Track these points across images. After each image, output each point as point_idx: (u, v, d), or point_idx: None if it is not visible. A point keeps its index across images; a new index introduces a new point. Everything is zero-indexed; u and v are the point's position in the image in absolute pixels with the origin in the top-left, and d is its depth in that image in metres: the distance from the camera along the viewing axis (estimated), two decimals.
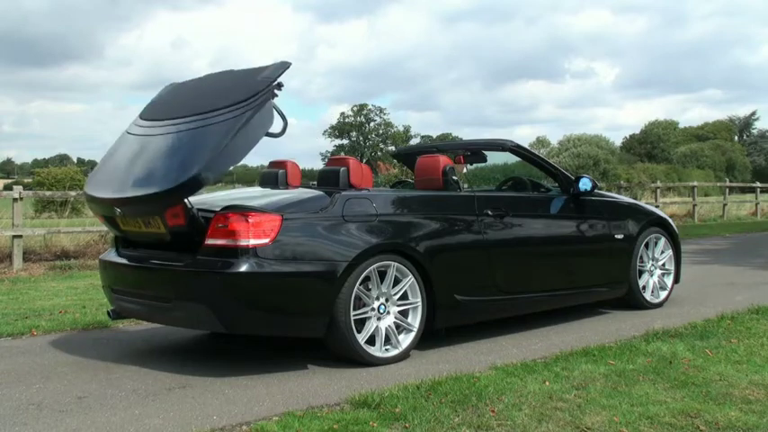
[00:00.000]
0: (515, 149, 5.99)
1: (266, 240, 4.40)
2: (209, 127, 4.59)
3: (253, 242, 4.37)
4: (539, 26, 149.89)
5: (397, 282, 4.84)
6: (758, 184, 25.38)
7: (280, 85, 4.74)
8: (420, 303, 4.91)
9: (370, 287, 4.74)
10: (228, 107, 4.61)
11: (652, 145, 67.58)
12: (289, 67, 4.84)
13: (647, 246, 6.59)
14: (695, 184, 23.13)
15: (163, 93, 5.49)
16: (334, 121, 77.11)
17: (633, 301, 6.52)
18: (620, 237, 6.32)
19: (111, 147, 5.23)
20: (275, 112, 4.71)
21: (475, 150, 6.21)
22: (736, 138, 76.18)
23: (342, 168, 5.10)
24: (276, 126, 4.78)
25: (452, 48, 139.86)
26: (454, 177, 5.55)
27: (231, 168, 5.36)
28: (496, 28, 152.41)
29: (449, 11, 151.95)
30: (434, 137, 73.18)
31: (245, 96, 4.62)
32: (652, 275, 6.67)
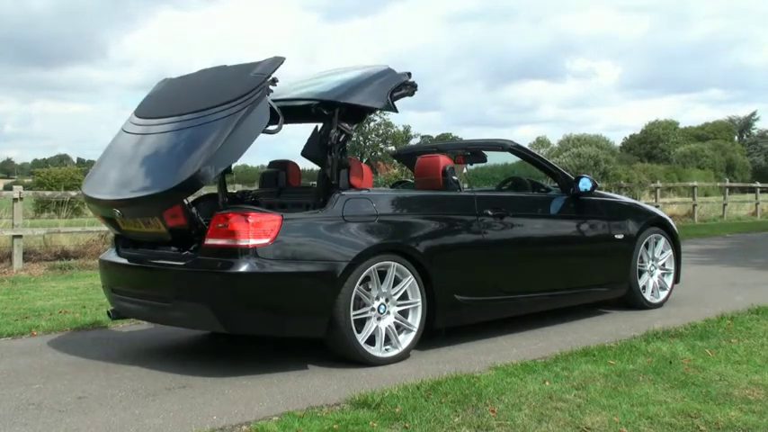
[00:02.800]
0: (515, 149, 5.99)
1: (266, 240, 4.40)
2: (205, 125, 4.56)
3: (253, 242, 4.37)
4: (541, 27, 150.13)
5: (396, 282, 4.84)
6: (758, 184, 25.36)
7: (274, 81, 4.70)
8: (420, 303, 4.90)
9: (370, 287, 4.74)
10: (224, 104, 4.58)
11: (652, 145, 67.48)
12: (282, 63, 4.79)
13: (647, 246, 6.58)
14: (695, 184, 23.12)
15: (158, 88, 5.45)
16: None
17: (633, 301, 6.52)
18: (620, 237, 6.32)
19: (108, 145, 5.22)
20: (271, 109, 4.69)
21: (475, 150, 6.21)
22: (736, 138, 76.13)
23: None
24: (272, 122, 4.76)
25: (455, 48, 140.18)
26: (454, 177, 5.55)
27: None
28: (499, 28, 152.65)
29: (452, 11, 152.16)
30: (434, 137, 73.06)
31: (241, 93, 4.59)
32: (652, 275, 6.67)
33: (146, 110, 5.18)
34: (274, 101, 4.91)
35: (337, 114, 4.84)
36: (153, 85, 5.54)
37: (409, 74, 5.17)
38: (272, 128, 4.77)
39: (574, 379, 4.24)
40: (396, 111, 5.08)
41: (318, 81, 5.26)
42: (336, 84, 5.03)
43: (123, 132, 5.15)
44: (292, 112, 5.15)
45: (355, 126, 5.06)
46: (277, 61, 4.79)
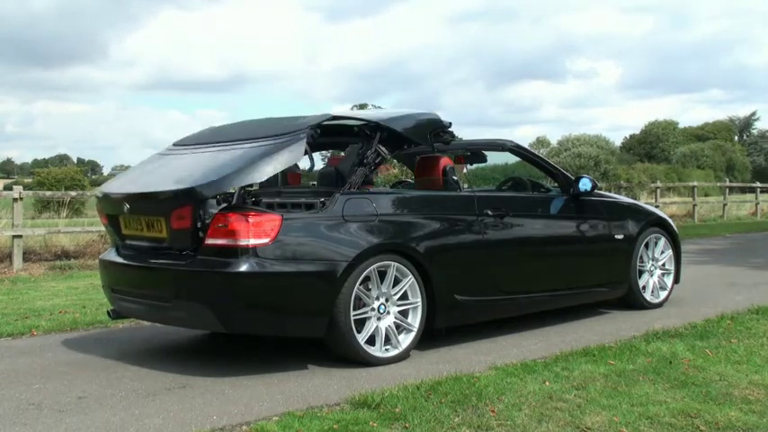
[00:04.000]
0: (515, 149, 5.99)
1: (266, 240, 4.40)
2: (235, 151, 4.80)
3: (253, 242, 4.38)
4: (542, 27, 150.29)
5: (396, 282, 4.84)
6: (758, 184, 25.34)
7: (317, 129, 4.92)
8: (420, 303, 4.90)
9: (370, 287, 4.74)
10: (260, 138, 4.86)
11: (652, 145, 67.43)
12: (329, 118, 5.10)
13: (647, 246, 6.58)
14: (695, 184, 23.11)
15: (201, 131, 5.81)
16: None
17: (633, 301, 6.52)
18: (620, 237, 6.32)
19: (138, 163, 5.63)
20: (306, 153, 4.81)
21: (475, 150, 6.22)
22: (736, 138, 76.04)
23: None
24: (304, 162, 5.08)
25: (456, 48, 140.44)
26: (454, 177, 5.56)
27: None
28: (500, 28, 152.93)
29: (454, 11, 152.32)
30: None
31: (280, 132, 4.85)
32: (652, 275, 6.66)
33: (183, 141, 5.58)
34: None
35: (378, 137, 5.11)
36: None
37: (450, 123, 5.60)
38: (302, 168, 5.06)
39: (574, 379, 4.24)
40: (433, 149, 5.54)
41: (368, 111, 5.93)
42: (383, 113, 5.63)
43: (156, 155, 5.52)
44: (338, 131, 5.70)
45: (392, 153, 5.42)
46: (325, 116, 5.09)
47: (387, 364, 4.69)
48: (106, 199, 5.15)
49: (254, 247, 4.38)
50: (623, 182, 25.32)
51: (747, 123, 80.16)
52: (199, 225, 4.52)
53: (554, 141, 46.78)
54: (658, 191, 21.14)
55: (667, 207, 21.02)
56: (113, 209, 5.06)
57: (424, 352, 5.02)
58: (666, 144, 66.85)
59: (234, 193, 5.46)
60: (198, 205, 4.47)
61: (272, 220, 4.45)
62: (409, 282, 4.86)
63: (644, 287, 6.57)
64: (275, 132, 4.89)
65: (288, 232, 4.48)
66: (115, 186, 5.27)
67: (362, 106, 76.60)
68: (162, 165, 5.24)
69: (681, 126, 72.93)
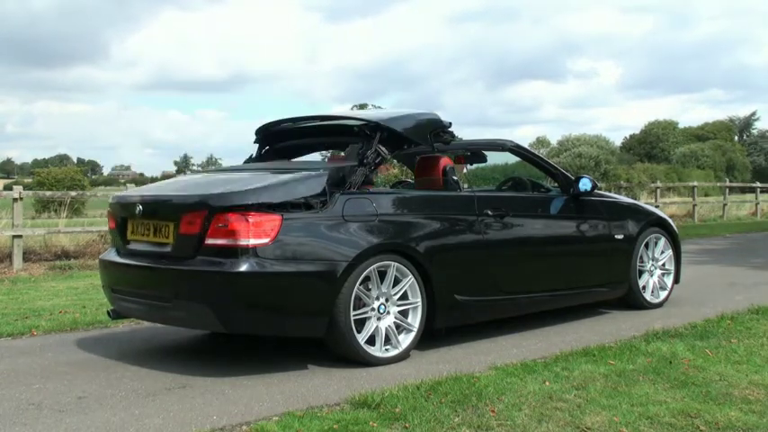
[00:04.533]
0: (515, 149, 5.99)
1: (266, 240, 4.40)
2: (257, 174, 4.96)
3: (253, 242, 4.38)
4: (543, 27, 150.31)
5: (396, 282, 4.84)
6: (758, 184, 25.35)
7: (341, 171, 4.91)
8: (420, 303, 4.90)
9: (370, 287, 4.74)
10: (285, 170, 4.99)
11: (652, 145, 67.50)
12: (354, 168, 4.98)
13: (647, 246, 6.58)
14: (695, 184, 23.10)
15: (231, 165, 6.16)
16: None
17: (633, 301, 6.52)
18: (620, 237, 6.32)
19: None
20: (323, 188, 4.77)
21: (475, 150, 6.21)
22: (736, 138, 76.03)
23: None
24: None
25: (456, 48, 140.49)
26: (454, 177, 5.56)
27: None
28: (501, 28, 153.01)
29: (454, 11, 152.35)
30: None
31: (303, 167, 5.01)
32: (652, 275, 6.66)
33: (210, 169, 5.95)
34: (326, 117, 5.82)
35: (378, 137, 5.14)
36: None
37: (450, 123, 5.62)
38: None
39: (574, 379, 4.24)
40: (433, 149, 5.53)
41: (368, 111, 6.06)
42: (383, 113, 5.72)
43: (181, 175, 5.71)
44: (338, 131, 5.77)
45: (392, 153, 5.41)
46: (348, 166, 5.02)
47: (387, 364, 4.69)
48: (120, 203, 5.23)
49: (254, 247, 4.38)
50: (623, 182, 25.30)
51: (747, 123, 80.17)
52: (204, 232, 4.54)
53: (554, 141, 46.74)
54: (658, 191, 21.14)
55: (667, 207, 21.03)
56: (125, 211, 5.11)
57: (424, 352, 5.02)
58: (666, 144, 66.88)
59: None
60: (209, 213, 4.46)
61: (272, 220, 4.45)
62: (409, 282, 4.86)
63: (644, 287, 6.57)
64: (299, 167, 5.06)
65: (288, 232, 4.48)
66: (133, 192, 5.57)
67: (362, 106, 76.67)
68: (184, 180, 5.56)
69: (681, 126, 73.01)
